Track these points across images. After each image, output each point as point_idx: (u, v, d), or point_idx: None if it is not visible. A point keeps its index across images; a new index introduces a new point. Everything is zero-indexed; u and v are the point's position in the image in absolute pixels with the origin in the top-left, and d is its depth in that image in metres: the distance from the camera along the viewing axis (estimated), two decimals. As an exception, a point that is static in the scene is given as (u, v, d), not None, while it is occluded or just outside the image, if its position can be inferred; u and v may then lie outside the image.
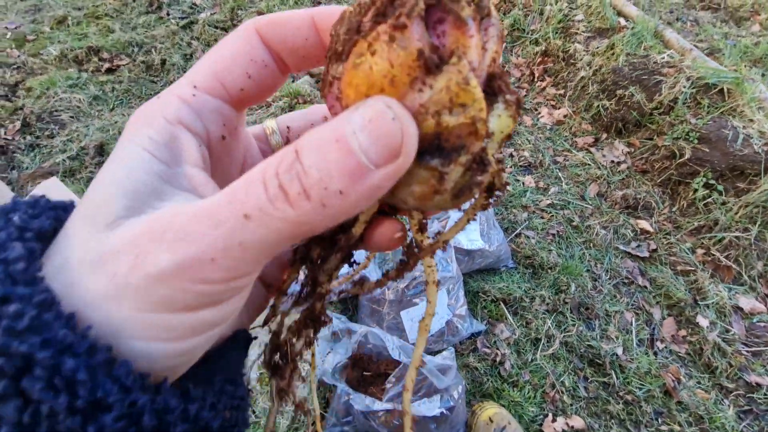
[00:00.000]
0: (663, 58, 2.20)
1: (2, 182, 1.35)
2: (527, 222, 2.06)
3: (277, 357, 0.29)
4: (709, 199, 1.93)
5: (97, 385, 0.17)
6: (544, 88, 2.67)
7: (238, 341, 0.27)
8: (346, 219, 0.19)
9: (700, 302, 1.81)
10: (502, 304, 1.78)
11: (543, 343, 1.68)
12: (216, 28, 2.86)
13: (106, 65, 2.62)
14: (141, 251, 0.18)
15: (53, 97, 2.37)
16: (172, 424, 0.19)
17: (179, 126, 0.23)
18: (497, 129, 0.21)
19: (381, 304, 1.60)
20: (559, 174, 2.28)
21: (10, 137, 2.20)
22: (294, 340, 0.29)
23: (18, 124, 2.27)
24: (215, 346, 0.26)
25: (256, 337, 0.29)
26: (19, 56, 2.66)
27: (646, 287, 1.89)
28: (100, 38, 2.74)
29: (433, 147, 0.19)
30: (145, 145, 0.21)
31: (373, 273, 1.70)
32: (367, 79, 0.18)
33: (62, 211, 0.22)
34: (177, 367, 0.20)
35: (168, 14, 3.04)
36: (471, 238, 1.76)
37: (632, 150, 2.26)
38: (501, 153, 0.23)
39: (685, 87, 2.05)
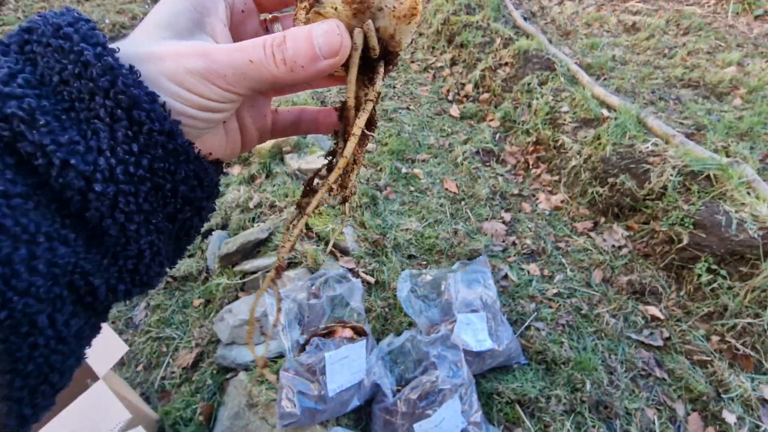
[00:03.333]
0: (647, 147, 2.35)
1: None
2: (536, 313, 2.08)
3: (310, 187, 0.41)
4: (715, 284, 1.95)
5: (172, 126, 0.29)
6: (539, 175, 2.82)
7: (219, 162, 0.38)
8: (298, 84, 0.33)
9: (723, 395, 1.75)
10: (517, 406, 1.75)
11: (564, 450, 1.63)
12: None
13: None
14: (182, 55, 0.29)
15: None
16: (199, 162, 0.31)
17: None
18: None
19: (394, 416, 1.60)
20: (563, 260, 2.33)
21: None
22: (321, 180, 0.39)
23: None
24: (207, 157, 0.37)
25: (226, 172, 0.37)
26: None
27: (664, 379, 1.84)
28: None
29: None
30: None
31: (385, 378, 1.71)
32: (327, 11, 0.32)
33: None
34: (188, 125, 0.30)
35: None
36: (479, 338, 1.78)
37: (632, 234, 2.33)
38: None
39: (672, 175, 2.16)
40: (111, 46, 0.28)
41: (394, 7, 0.32)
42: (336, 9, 0.32)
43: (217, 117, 0.32)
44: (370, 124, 0.37)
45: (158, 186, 0.29)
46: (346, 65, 0.33)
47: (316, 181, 0.41)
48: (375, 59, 0.35)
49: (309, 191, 0.41)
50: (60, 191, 0.26)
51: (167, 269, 0.34)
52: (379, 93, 0.36)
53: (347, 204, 0.42)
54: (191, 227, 0.34)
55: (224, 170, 0.41)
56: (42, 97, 0.26)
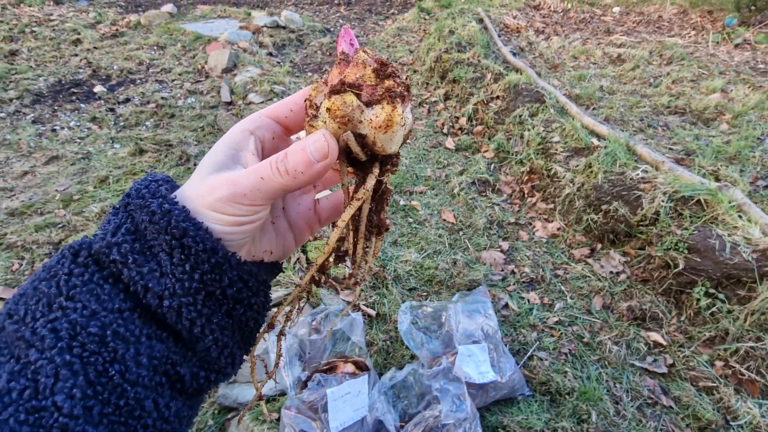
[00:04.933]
0: (638, 174, 2.41)
1: None
2: (538, 342, 2.08)
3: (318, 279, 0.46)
4: (714, 308, 1.96)
5: (215, 246, 0.36)
6: (534, 203, 2.87)
7: (276, 264, 0.46)
8: (305, 184, 0.38)
9: (732, 423, 1.72)
10: (523, 440, 1.72)
11: (573, 486, 1.59)
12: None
13: (139, 217, 2.93)
14: (215, 188, 0.37)
15: (90, 253, 2.62)
16: (243, 267, 0.38)
17: (248, 131, 0.43)
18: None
19: (398, 453, 1.57)
20: (562, 288, 2.34)
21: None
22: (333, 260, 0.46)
23: (57, 280, 2.48)
24: (263, 264, 0.44)
25: (284, 270, 0.42)
26: (64, 215, 3.01)
27: (671, 408, 1.82)
28: (135, 193, 3.11)
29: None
30: (228, 142, 0.41)
31: (388, 414, 1.69)
32: (323, 123, 0.40)
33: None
34: (228, 238, 0.37)
35: (195, 165, 3.47)
36: (482, 371, 1.77)
37: (629, 259, 2.35)
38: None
39: (663, 201, 2.21)
40: (171, 195, 0.38)
41: (371, 119, 0.39)
42: (326, 122, 0.40)
43: (250, 227, 0.39)
44: (380, 226, 0.45)
45: (210, 293, 0.36)
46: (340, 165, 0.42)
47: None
48: (365, 161, 0.42)
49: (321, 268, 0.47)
50: (148, 306, 0.35)
51: (241, 357, 0.42)
52: (368, 191, 0.42)
53: (358, 288, 0.48)
54: (249, 320, 0.41)
55: (282, 268, 0.49)
56: (135, 241, 0.36)
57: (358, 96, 0.39)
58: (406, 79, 0.42)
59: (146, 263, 0.35)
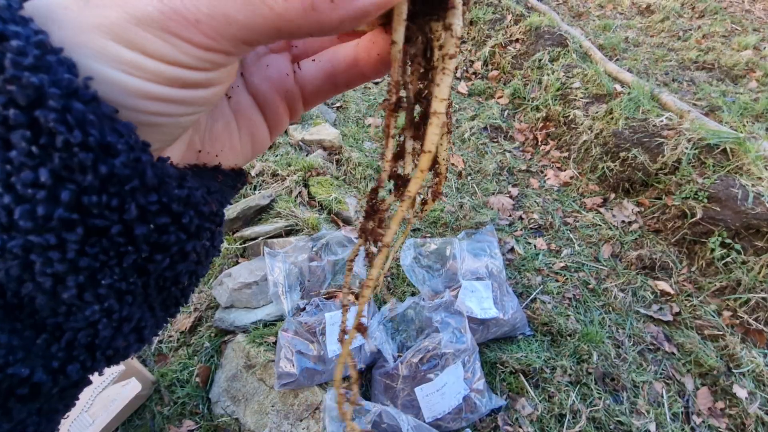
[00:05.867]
0: (662, 120, 2.27)
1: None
2: (542, 286, 2.03)
3: (372, 206, 0.30)
4: (728, 259, 1.89)
5: (105, 130, 0.17)
6: (548, 152, 2.75)
7: (239, 172, 0.29)
8: (320, 34, 0.19)
9: (734, 370, 1.70)
10: (521, 376, 1.71)
11: (568, 420, 1.59)
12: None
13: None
14: None
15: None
16: (169, 189, 0.20)
17: None
18: None
19: (395, 380, 1.56)
20: (571, 235, 2.27)
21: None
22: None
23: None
24: (225, 167, 0.27)
25: (251, 179, 0.30)
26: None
27: (673, 354, 1.79)
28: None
29: None
30: None
31: (386, 344, 1.67)
32: None
33: None
34: (157, 117, 0.20)
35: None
36: (484, 306, 1.73)
37: (642, 209, 2.26)
38: None
39: (687, 148, 2.09)
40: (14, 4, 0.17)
41: None
42: None
43: (198, 95, 0.21)
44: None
45: (95, 229, 0.18)
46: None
47: (382, 194, 0.29)
48: None
49: (373, 210, 0.29)
50: None
51: (160, 328, 0.25)
52: (455, 55, 0.24)
53: (426, 207, 0.32)
54: (179, 276, 0.23)
55: (247, 178, 0.30)
56: None
57: None
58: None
59: None
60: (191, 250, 0.22)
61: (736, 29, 4.15)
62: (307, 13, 0.18)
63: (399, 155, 0.28)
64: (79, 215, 0.17)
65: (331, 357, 1.52)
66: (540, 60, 3.08)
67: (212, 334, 1.84)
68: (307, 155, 2.57)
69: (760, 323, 1.77)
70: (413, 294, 1.96)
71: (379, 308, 1.79)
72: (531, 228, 2.33)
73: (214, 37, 0.18)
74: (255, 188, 2.38)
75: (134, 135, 0.18)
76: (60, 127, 0.16)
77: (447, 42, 0.24)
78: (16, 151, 0.16)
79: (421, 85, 0.26)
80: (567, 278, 2.07)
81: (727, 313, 1.85)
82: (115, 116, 0.18)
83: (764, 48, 3.80)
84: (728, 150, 2.05)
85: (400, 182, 0.28)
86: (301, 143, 2.67)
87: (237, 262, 2.08)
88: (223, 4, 0.18)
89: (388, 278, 2.07)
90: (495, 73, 3.40)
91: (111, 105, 0.18)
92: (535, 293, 1.99)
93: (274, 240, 2.02)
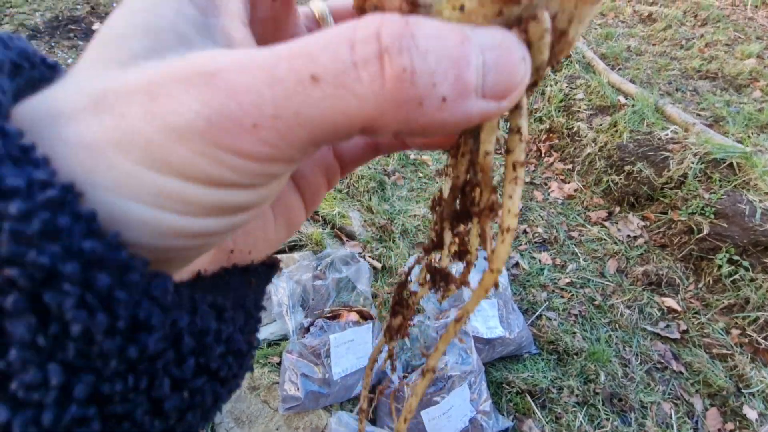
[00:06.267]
0: (667, 134, 2.26)
1: None
2: (547, 302, 2.01)
3: (400, 300, 0.28)
4: (736, 276, 1.87)
5: (138, 304, 0.14)
6: (552, 164, 2.74)
7: (271, 266, 0.25)
8: (409, 135, 0.16)
9: (744, 390, 1.68)
10: (528, 397, 1.69)
11: (576, 442, 1.57)
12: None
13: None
14: (162, 94, 0.14)
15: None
16: (209, 347, 0.17)
17: None
18: None
19: (400, 402, 1.54)
20: (576, 250, 2.26)
21: None
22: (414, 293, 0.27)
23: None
24: (247, 263, 0.24)
25: (281, 268, 0.27)
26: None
27: (681, 373, 1.77)
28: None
29: None
30: None
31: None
32: None
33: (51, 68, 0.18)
34: (185, 250, 0.16)
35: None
36: (490, 325, 1.72)
37: (648, 224, 2.25)
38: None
39: (693, 163, 2.07)
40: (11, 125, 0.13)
41: None
42: (463, 8, 0.17)
43: (240, 220, 0.17)
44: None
45: (118, 417, 0.15)
46: None
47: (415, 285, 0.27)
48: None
49: (400, 305, 0.27)
50: None
51: None
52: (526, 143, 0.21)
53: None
54: (205, 419, 0.19)
55: (279, 265, 0.26)
56: None
57: None
58: None
59: None
60: (224, 393, 0.19)
61: (739, 37, 4.15)
62: (408, 108, 0.14)
63: (436, 245, 0.26)
64: (96, 407, 0.14)
65: (336, 379, 1.50)
66: (543, 71, 3.07)
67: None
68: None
69: (769, 342, 1.75)
70: (418, 311, 1.95)
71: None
72: (535, 242, 2.32)
73: (277, 143, 0.14)
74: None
75: (170, 293, 0.15)
76: (79, 315, 0.13)
77: (516, 147, 0.21)
78: (14, 348, 0.12)
79: (469, 176, 0.24)
80: (572, 294, 2.05)
81: (735, 332, 1.83)
82: (151, 275, 0.14)
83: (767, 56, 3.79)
84: (735, 164, 2.04)
85: (438, 276, 0.26)
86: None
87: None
88: (295, 100, 0.14)
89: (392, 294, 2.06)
90: (498, 83, 3.40)
91: (140, 259, 0.14)
92: (540, 310, 1.98)
93: (278, 256, 2.01)
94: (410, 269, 0.27)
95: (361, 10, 0.20)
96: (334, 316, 1.70)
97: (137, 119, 0.14)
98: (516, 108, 0.21)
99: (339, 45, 0.14)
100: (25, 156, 0.13)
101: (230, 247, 0.23)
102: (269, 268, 0.26)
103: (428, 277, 0.27)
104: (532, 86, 0.20)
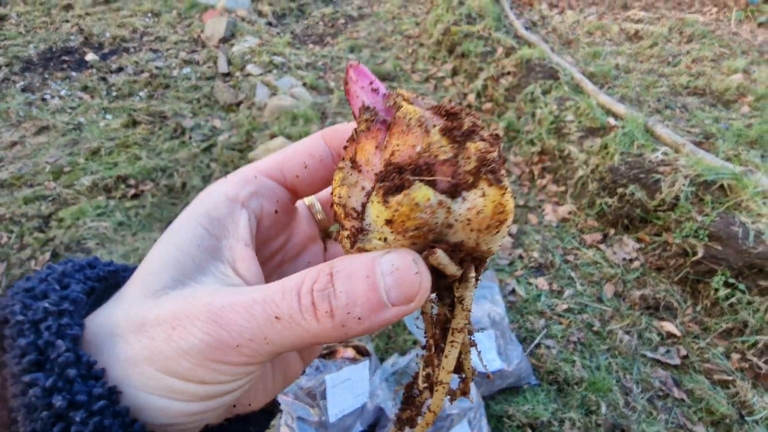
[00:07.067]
0: (657, 156, 2.28)
1: None
2: (545, 330, 2.00)
3: (407, 399, 0.35)
4: (734, 299, 1.86)
5: None
6: (545, 186, 2.75)
7: (270, 411, 0.31)
8: (352, 337, 0.23)
9: (747, 417, 1.65)
10: (529, 430, 1.66)
11: (579, 479, 1.53)
12: (233, 150, 3.11)
13: (132, 191, 2.83)
14: (179, 325, 0.21)
15: (82, 227, 2.53)
16: None
17: (237, 203, 0.27)
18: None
19: (399, 442, 1.51)
20: (572, 274, 2.25)
21: (39, 269, 2.31)
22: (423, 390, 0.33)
23: (48, 255, 2.40)
24: (248, 412, 0.30)
25: (281, 411, 0.35)
26: (54, 188, 2.90)
27: (683, 401, 1.75)
28: (128, 166, 2.99)
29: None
30: (200, 219, 0.25)
31: (389, 401, 1.62)
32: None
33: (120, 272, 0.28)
34: (190, 423, 0.23)
35: (190, 138, 3.34)
36: (488, 358, 1.70)
37: (643, 246, 2.25)
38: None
39: (684, 185, 2.09)
40: (81, 351, 0.21)
41: (468, 218, 0.24)
42: (385, 240, 0.24)
43: (229, 398, 0.24)
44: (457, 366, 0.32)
45: None
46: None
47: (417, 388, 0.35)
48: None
49: (409, 402, 0.35)
50: None
51: None
52: (468, 311, 0.28)
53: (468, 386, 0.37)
54: None
55: (279, 408, 0.33)
56: None
57: (432, 185, 0.23)
58: (489, 127, 0.27)
59: None
60: None
61: (725, 53, 4.22)
62: (337, 329, 0.22)
63: (431, 361, 0.33)
64: None
65: (333, 422, 1.47)
66: (532, 93, 3.11)
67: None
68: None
69: (770, 366, 1.73)
70: (415, 343, 1.93)
71: (381, 363, 1.75)
72: (531, 267, 2.31)
73: (252, 355, 0.22)
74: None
75: None
76: None
77: (458, 314, 0.27)
78: None
79: (447, 314, 0.30)
80: (571, 321, 2.03)
81: (735, 356, 1.81)
82: None
83: (753, 72, 3.86)
84: (726, 186, 2.05)
85: (432, 383, 0.33)
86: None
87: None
88: (264, 330, 0.21)
89: (389, 326, 2.03)
90: (489, 105, 3.43)
91: None
92: (539, 338, 1.96)
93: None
94: (416, 375, 0.34)
95: (334, 207, 0.27)
96: (330, 353, 1.68)
97: (161, 342, 0.21)
98: (462, 281, 0.27)
99: (291, 296, 0.22)
100: (88, 373, 0.20)
101: (233, 403, 0.28)
102: (268, 413, 0.31)
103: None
104: (460, 280, 0.27)
